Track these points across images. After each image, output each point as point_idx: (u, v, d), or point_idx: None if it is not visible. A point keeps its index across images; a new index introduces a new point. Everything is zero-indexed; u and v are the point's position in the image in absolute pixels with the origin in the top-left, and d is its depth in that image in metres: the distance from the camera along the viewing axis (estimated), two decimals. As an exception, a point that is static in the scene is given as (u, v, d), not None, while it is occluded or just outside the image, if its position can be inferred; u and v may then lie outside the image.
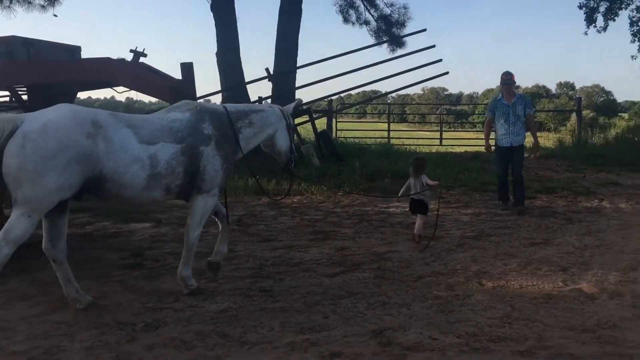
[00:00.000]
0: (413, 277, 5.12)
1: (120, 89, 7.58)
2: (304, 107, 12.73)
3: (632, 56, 19.45)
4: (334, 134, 17.83)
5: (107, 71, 6.58)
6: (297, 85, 13.93)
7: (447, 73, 13.00)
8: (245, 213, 8.08)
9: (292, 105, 5.38)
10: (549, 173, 12.10)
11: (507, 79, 8.98)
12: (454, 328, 3.95)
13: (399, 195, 6.85)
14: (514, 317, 4.16)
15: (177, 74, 7.88)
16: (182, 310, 4.34)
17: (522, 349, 3.61)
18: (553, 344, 3.69)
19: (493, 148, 8.78)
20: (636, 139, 17.34)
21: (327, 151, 12.22)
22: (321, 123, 16.92)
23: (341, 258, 5.79)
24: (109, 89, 8.70)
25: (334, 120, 18.41)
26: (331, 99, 17.83)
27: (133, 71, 7.07)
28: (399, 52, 15.60)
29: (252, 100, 13.92)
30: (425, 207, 6.61)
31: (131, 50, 7.31)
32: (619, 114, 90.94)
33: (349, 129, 21.98)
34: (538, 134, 9.49)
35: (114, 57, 6.84)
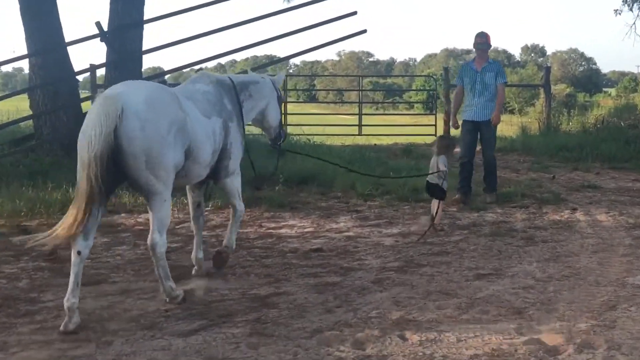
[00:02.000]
0: (307, 332, 5.11)
1: None
2: (159, 79, 12.50)
3: (616, 10, 20.72)
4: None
5: None
6: (145, 48, 13.75)
7: (364, 31, 13.20)
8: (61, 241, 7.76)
9: (283, 74, 7.38)
10: (506, 173, 12.63)
11: (482, 42, 10.26)
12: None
13: (428, 175, 8.68)
14: (446, 386, 4.23)
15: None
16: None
17: None
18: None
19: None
20: (623, 124, 18.43)
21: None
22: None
23: (204, 307, 5.69)
24: None
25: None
26: (202, 69, 17.61)
27: None
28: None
29: (76, 69, 13.52)
30: (441, 191, 8.49)
31: None
32: (604, 89, 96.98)
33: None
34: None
35: None
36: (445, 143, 8.90)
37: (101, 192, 5.15)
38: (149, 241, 5.56)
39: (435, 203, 8.52)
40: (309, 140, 15.91)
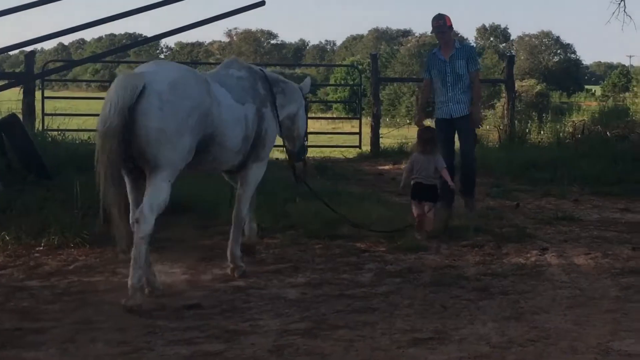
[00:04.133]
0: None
1: None
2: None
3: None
4: (35, 125, 17.55)
5: None
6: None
7: (262, 3, 13.16)
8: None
9: (308, 82, 9.52)
10: (455, 200, 12.75)
11: (439, 24, 11.58)
12: None
13: (402, 184, 10.77)
14: None
15: None
16: None
17: None
18: None
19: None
20: (609, 134, 18.98)
21: (18, 158, 12.18)
22: (7, 99, 16.43)
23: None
24: None
25: (38, 94, 17.99)
26: (33, 52, 17.41)
27: None
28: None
29: None
30: (436, 193, 10.32)
31: None
32: (586, 86, 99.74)
33: (71, 112, 21.62)
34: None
35: None
36: (430, 135, 10.81)
37: (120, 165, 7.04)
38: (136, 215, 7.18)
39: (418, 207, 10.31)
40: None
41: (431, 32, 11.91)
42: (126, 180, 7.44)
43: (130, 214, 7.31)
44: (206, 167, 8.13)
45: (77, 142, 15.79)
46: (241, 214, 8.59)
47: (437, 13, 11.59)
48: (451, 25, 11.71)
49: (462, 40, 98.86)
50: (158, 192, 7.19)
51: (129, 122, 6.84)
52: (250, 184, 8.55)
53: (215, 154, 7.78)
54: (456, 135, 11.97)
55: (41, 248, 9.33)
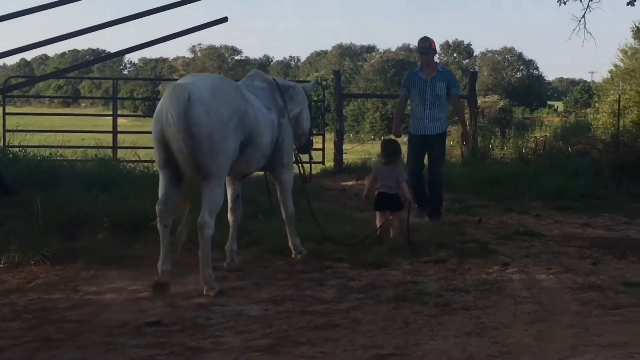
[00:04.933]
0: None
1: None
2: None
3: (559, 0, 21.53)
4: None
5: None
6: None
7: (225, 19, 13.21)
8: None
9: (312, 83, 11.36)
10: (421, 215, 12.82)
11: (425, 46, 12.65)
12: None
13: (365, 194, 11.52)
14: None
15: None
16: None
17: None
18: None
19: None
20: (570, 149, 19.14)
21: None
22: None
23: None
24: None
25: (-1, 110, 17.91)
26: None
27: None
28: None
29: None
30: (400, 203, 10.87)
31: None
32: (549, 102, 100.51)
33: (33, 128, 21.49)
34: None
35: None
36: (394, 146, 11.46)
37: (164, 162, 8.26)
38: (199, 221, 8.19)
39: (382, 217, 10.90)
40: (149, 170, 15.75)
41: (415, 52, 13.41)
42: (164, 173, 8.42)
43: (157, 205, 8.39)
44: (237, 168, 8.89)
45: (38, 158, 15.66)
46: (289, 211, 9.97)
47: (423, 35, 12.75)
48: (435, 48, 12.93)
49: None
50: (214, 197, 8.30)
51: (185, 127, 7.81)
52: (287, 187, 9.92)
53: (249, 154, 8.78)
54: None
55: (1, 265, 9.29)
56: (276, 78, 10.21)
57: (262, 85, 9.57)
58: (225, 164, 8.31)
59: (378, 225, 10.94)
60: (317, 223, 10.64)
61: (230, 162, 8.37)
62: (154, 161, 16.54)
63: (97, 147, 18.58)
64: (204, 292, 8.29)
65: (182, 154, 7.93)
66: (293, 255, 9.99)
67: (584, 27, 21.87)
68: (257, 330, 7.32)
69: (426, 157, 13.05)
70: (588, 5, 21.57)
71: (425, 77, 12.61)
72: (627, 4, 21.26)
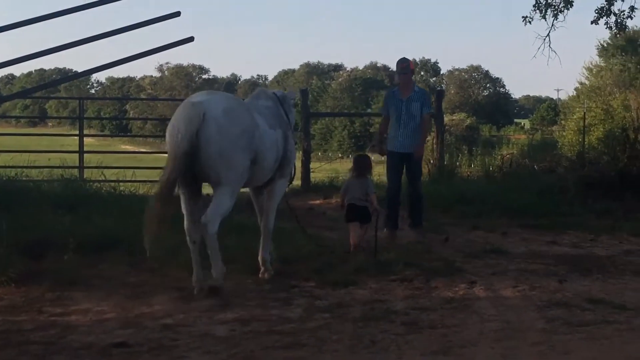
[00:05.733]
0: None
1: None
2: None
3: (525, 18, 21.78)
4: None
5: None
6: None
7: (191, 39, 13.26)
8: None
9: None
10: (384, 233, 12.84)
11: (404, 67, 13.16)
12: None
13: (342, 204, 12.09)
14: None
15: None
16: None
17: None
18: None
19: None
20: (537, 167, 19.28)
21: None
22: None
23: None
24: None
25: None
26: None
27: None
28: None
29: None
30: (369, 214, 11.63)
31: None
32: (515, 120, 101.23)
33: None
34: None
35: None
36: (366, 162, 12.35)
37: (182, 183, 8.67)
38: (203, 219, 8.68)
39: (355, 228, 11.53)
40: (116, 190, 15.71)
41: (395, 71, 13.56)
42: (184, 194, 8.93)
43: (185, 223, 8.96)
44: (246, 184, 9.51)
45: (4, 178, 15.55)
46: (269, 224, 10.08)
47: (402, 57, 13.26)
48: (413, 69, 13.61)
49: (390, 73, 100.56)
50: (221, 204, 8.83)
51: (195, 146, 8.42)
52: (276, 196, 10.13)
53: (255, 172, 9.21)
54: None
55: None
56: (275, 91, 10.76)
57: (267, 104, 9.98)
58: (236, 179, 8.92)
59: (352, 238, 11.52)
60: (306, 233, 11.56)
61: (241, 177, 8.98)
62: (120, 181, 16.79)
63: (63, 167, 18.39)
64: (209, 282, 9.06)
65: (197, 166, 8.56)
66: (260, 274, 10.03)
67: (549, 45, 22.23)
68: (224, 350, 7.29)
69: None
70: (553, 24, 21.89)
71: (401, 97, 13.09)
72: (592, 22, 21.70)
